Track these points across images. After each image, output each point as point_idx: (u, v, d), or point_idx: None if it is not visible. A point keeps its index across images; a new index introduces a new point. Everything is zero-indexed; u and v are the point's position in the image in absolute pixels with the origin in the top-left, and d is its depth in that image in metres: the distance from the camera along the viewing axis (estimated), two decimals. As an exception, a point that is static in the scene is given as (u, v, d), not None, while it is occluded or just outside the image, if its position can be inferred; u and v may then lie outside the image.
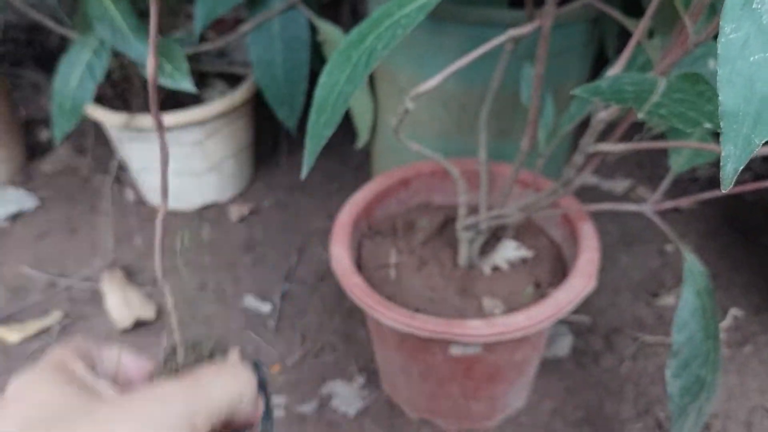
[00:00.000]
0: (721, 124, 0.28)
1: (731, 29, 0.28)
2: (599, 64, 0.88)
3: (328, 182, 1.04)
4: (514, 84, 0.69)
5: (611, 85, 0.41)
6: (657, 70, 0.45)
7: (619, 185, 1.01)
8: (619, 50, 0.65)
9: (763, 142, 0.28)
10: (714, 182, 1.01)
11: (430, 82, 0.52)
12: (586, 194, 1.00)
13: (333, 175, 1.05)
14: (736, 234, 0.92)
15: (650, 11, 0.49)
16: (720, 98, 0.28)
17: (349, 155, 1.08)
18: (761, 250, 0.89)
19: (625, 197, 1.00)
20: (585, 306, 0.82)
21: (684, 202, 0.57)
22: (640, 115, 0.38)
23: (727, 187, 0.29)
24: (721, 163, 0.29)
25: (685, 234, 0.93)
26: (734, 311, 0.80)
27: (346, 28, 1.39)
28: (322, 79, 0.50)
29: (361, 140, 0.89)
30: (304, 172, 0.51)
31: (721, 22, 0.28)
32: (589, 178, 1.03)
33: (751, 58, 0.28)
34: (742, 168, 0.28)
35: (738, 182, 0.95)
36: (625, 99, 0.39)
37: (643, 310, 0.82)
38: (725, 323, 0.79)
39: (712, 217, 0.95)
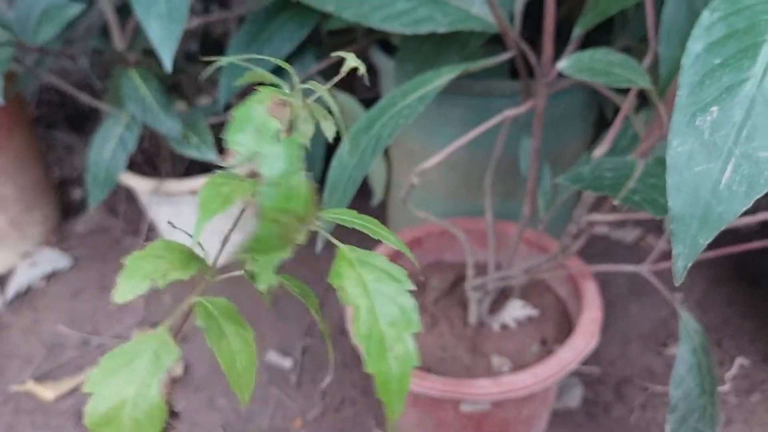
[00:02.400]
0: (671, 226, 0.32)
1: (678, 143, 0.33)
2: (601, 124, 0.92)
3: (348, 235, 1.08)
4: (515, 149, 0.73)
5: (592, 171, 0.45)
6: (637, 152, 0.49)
7: (629, 234, 1.04)
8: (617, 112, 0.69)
9: (708, 242, 0.32)
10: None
11: (431, 160, 0.57)
12: (595, 243, 1.03)
13: (351, 230, 1.09)
14: (744, 281, 0.95)
15: (634, 91, 0.54)
16: (669, 203, 0.32)
17: (367, 209, 1.12)
18: (769, 297, 0.92)
19: (635, 246, 1.03)
20: (595, 357, 0.84)
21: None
22: (615, 202, 0.42)
23: (678, 281, 0.33)
24: (672, 261, 0.32)
25: (692, 283, 0.95)
26: (741, 360, 0.82)
27: (362, 94, 1.44)
28: (334, 162, 0.55)
29: (377, 198, 0.94)
30: (319, 246, 0.56)
31: (669, 137, 0.33)
32: (599, 228, 1.06)
33: (696, 169, 0.32)
34: (691, 264, 0.32)
35: (745, 234, 0.97)
36: (603, 186, 0.43)
37: (652, 360, 0.84)
38: (732, 372, 0.81)
39: (719, 264, 0.97)
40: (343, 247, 0.33)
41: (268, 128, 0.29)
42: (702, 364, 0.59)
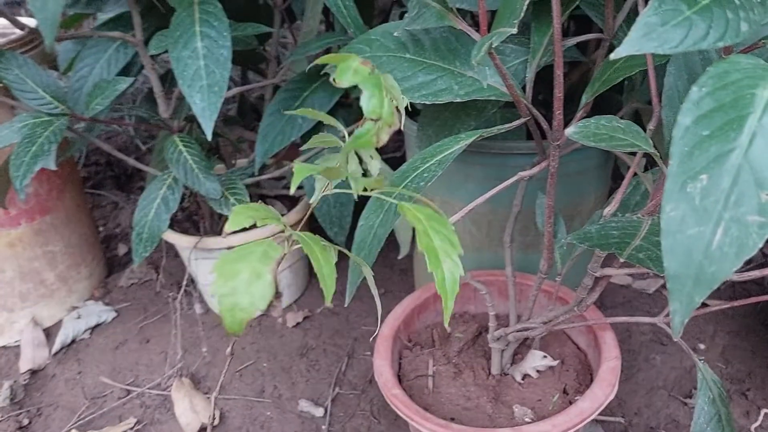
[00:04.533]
0: (668, 285, 0.35)
1: (671, 208, 0.36)
2: (617, 177, 0.95)
3: (376, 287, 1.12)
4: (534, 203, 0.77)
5: (599, 230, 0.48)
6: (644, 211, 0.52)
7: (651, 285, 1.06)
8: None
9: (703, 299, 0.35)
10: (742, 283, 1.04)
11: (452, 218, 0.60)
12: (617, 293, 1.05)
13: (380, 280, 1.13)
14: (769, 331, 0.95)
15: (640, 154, 0.57)
16: (665, 264, 0.35)
17: (394, 262, 1.16)
18: (794, 347, 0.92)
19: (657, 295, 1.05)
20: (620, 406, 0.86)
21: (698, 311, 0.62)
22: (621, 259, 0.45)
23: (676, 336, 0.36)
24: (671, 317, 0.35)
25: (715, 333, 0.96)
26: (767, 410, 0.83)
27: (387, 153, 1.50)
28: (361, 221, 0.60)
29: (402, 252, 0.98)
30: (347, 301, 0.60)
31: (662, 203, 0.36)
32: (621, 278, 1.08)
33: (688, 232, 0.35)
34: (687, 320, 0.35)
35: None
36: (609, 245, 0.46)
37: (677, 410, 0.85)
38: (758, 423, 0.82)
39: (742, 315, 0.98)
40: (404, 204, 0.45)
41: (364, 72, 0.40)
42: (722, 414, 0.60)
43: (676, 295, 0.35)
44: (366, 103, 0.40)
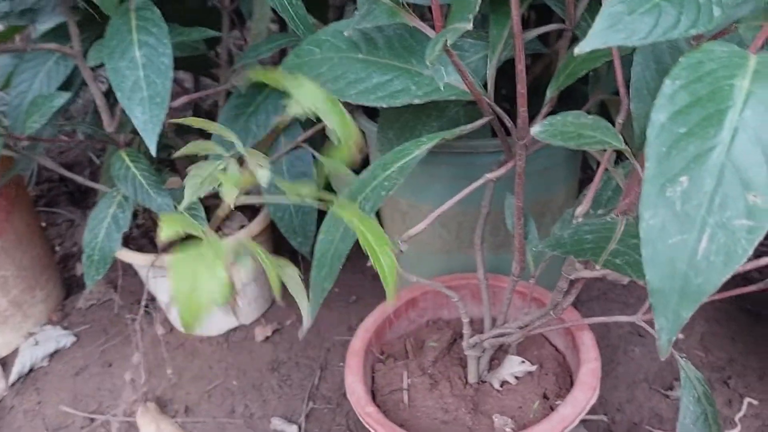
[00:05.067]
0: (651, 300, 0.32)
1: (649, 215, 0.33)
2: (587, 169, 0.93)
3: (346, 294, 1.08)
4: (503, 203, 0.74)
5: (572, 235, 0.45)
6: (618, 210, 0.49)
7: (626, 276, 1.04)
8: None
9: (691, 314, 0.32)
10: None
11: (418, 226, 0.57)
12: (592, 286, 1.03)
13: (350, 288, 1.09)
14: (747, 316, 0.94)
15: (610, 151, 0.54)
16: (647, 277, 0.32)
17: (365, 268, 1.12)
18: (773, 331, 0.91)
19: (631, 286, 1.03)
20: (602, 403, 0.83)
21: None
22: (598, 267, 0.42)
23: (663, 355, 0.33)
24: (656, 335, 0.32)
25: (693, 322, 0.94)
26: (750, 399, 0.81)
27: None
28: (320, 236, 0.56)
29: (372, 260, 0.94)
30: (307, 323, 0.56)
31: (639, 209, 0.33)
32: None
33: (670, 241, 0.32)
34: (675, 337, 0.32)
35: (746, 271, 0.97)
36: (584, 251, 0.43)
37: (660, 404, 0.83)
38: (741, 412, 0.80)
39: (721, 302, 0.96)
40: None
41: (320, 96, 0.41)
42: (708, 413, 0.58)
43: (661, 310, 0.32)
44: (337, 130, 0.41)
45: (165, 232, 0.39)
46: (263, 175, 0.54)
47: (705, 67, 0.36)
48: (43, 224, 1.32)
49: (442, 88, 0.55)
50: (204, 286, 0.35)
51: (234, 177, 0.56)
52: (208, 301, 0.35)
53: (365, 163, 1.38)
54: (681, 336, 0.93)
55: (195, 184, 0.61)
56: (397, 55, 0.59)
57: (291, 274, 0.52)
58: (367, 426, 0.63)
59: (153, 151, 0.63)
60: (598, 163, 0.85)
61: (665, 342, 0.32)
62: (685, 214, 0.32)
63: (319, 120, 0.43)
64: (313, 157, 0.88)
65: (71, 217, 1.35)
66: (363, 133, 0.87)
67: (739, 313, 0.95)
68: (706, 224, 0.32)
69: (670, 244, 0.32)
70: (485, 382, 0.70)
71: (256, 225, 0.95)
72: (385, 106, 0.56)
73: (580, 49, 0.34)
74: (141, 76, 0.62)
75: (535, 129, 0.47)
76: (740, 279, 0.97)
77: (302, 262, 1.13)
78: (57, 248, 1.28)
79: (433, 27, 0.52)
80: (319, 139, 0.89)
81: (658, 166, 0.34)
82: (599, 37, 0.35)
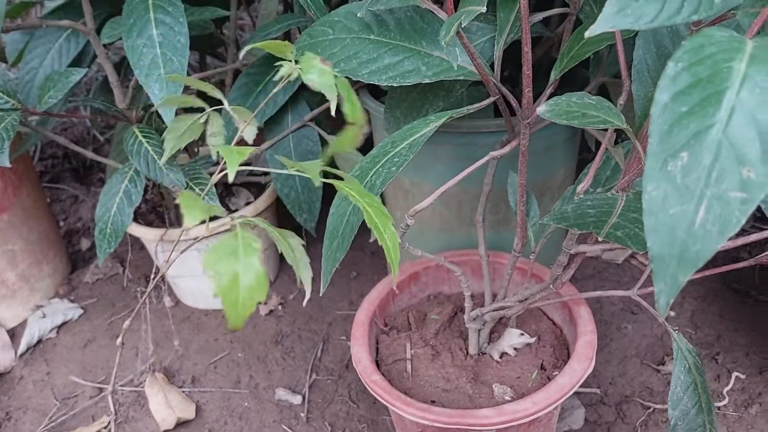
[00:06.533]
0: (652, 265, 0.35)
1: (652, 188, 0.35)
2: (585, 150, 0.95)
3: (347, 271, 1.11)
4: (504, 181, 0.76)
5: (575, 209, 0.48)
6: (618, 187, 0.52)
7: (620, 255, 1.07)
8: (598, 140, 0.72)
9: (688, 278, 0.35)
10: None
11: (424, 202, 0.60)
12: (587, 265, 1.06)
13: (351, 264, 1.12)
14: (735, 295, 0.97)
15: (612, 129, 0.57)
16: (648, 244, 0.35)
17: (365, 245, 1.15)
18: (760, 309, 0.94)
19: (625, 265, 1.06)
20: (594, 377, 0.87)
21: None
22: (600, 238, 0.45)
23: (662, 316, 0.36)
24: (655, 298, 0.35)
25: (683, 299, 0.98)
26: (737, 373, 0.85)
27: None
28: (332, 209, 0.58)
29: (374, 235, 0.97)
30: (322, 290, 0.59)
31: (643, 182, 0.35)
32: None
33: (671, 211, 0.35)
34: (673, 300, 0.35)
35: (733, 249, 1.00)
36: (587, 224, 0.46)
37: (651, 378, 0.87)
38: (729, 386, 0.83)
39: (709, 280, 1.00)
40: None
41: (329, 74, 0.42)
42: (698, 382, 0.61)
43: (661, 275, 0.35)
44: (347, 109, 0.41)
45: (188, 220, 0.39)
46: (251, 132, 0.56)
47: (706, 50, 0.39)
48: (48, 200, 1.33)
49: (456, 68, 0.57)
50: (245, 284, 0.36)
51: (218, 124, 0.58)
52: (252, 300, 0.36)
53: (368, 143, 1.40)
54: (672, 314, 0.96)
55: (175, 137, 0.63)
56: (408, 37, 0.61)
57: (296, 244, 0.53)
58: (373, 393, 0.66)
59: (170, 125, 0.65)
60: (597, 145, 0.88)
61: (663, 304, 0.35)
62: (685, 186, 0.35)
63: (325, 98, 0.44)
64: (319, 135, 0.90)
65: (75, 193, 1.37)
66: (368, 112, 0.90)
67: (728, 292, 0.98)
68: (704, 196, 0.34)
69: (671, 214, 0.35)
70: (485, 353, 0.73)
71: (262, 201, 0.97)
72: (395, 85, 0.58)
73: (591, 32, 0.37)
74: (158, 54, 0.64)
75: (541, 108, 0.50)
76: (730, 259, 1.01)
77: (306, 238, 1.16)
78: (61, 224, 1.30)
79: (443, 9, 0.55)
80: (325, 119, 0.91)
81: (660, 142, 0.36)
82: (609, 20, 0.37)
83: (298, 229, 1.17)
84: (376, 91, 0.87)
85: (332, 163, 0.94)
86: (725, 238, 0.34)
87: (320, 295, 0.59)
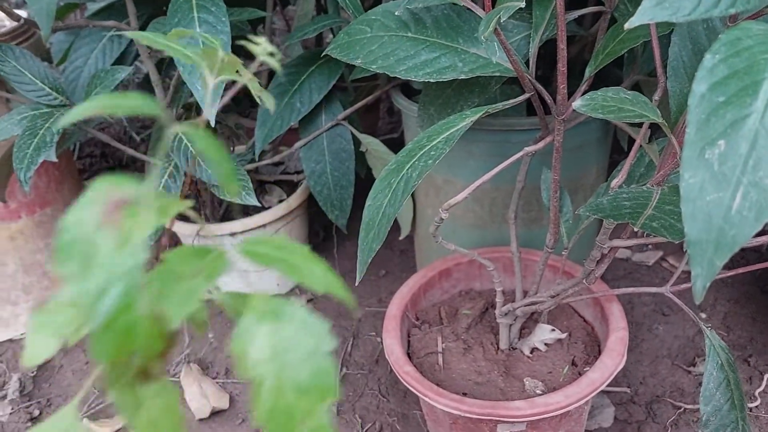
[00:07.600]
0: (689, 251, 0.36)
1: (690, 175, 0.36)
2: (617, 150, 0.96)
3: (376, 268, 1.12)
4: (537, 179, 0.77)
5: (611, 201, 0.49)
6: (653, 181, 0.53)
7: (651, 257, 1.07)
8: (631, 139, 0.73)
9: (723, 263, 0.36)
10: (740, 251, 1.05)
11: (459, 196, 0.61)
12: (619, 266, 1.06)
13: (380, 262, 1.13)
14: (766, 298, 0.97)
15: (646, 123, 0.57)
16: (685, 230, 0.36)
17: (394, 242, 1.16)
18: (793, 312, 0.94)
19: (656, 267, 1.06)
20: (625, 376, 0.87)
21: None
22: (636, 228, 0.46)
23: (698, 300, 0.36)
24: (692, 282, 0.36)
25: (715, 302, 0.97)
26: (770, 375, 0.84)
27: (383, 123, 1.50)
28: (369, 201, 0.60)
29: (404, 232, 0.99)
30: (358, 278, 0.60)
31: (681, 170, 0.36)
32: (621, 251, 1.09)
33: (707, 198, 0.36)
34: (709, 284, 0.36)
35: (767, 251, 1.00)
36: (622, 215, 0.47)
37: (682, 378, 0.86)
38: (761, 388, 0.83)
39: (741, 283, 0.99)
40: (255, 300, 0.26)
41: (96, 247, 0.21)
42: (730, 379, 0.61)
43: (698, 260, 0.36)
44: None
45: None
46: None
47: (743, 43, 0.39)
48: (85, 197, 1.37)
49: (494, 62, 0.58)
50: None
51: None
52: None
53: (399, 142, 1.41)
54: (704, 315, 0.96)
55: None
56: (445, 35, 0.62)
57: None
58: (405, 384, 0.67)
59: (212, 123, 0.67)
60: (630, 144, 0.88)
61: (700, 288, 0.36)
62: (722, 174, 0.36)
63: (359, 98, 0.45)
64: (352, 134, 0.92)
65: (111, 192, 1.40)
66: (400, 111, 0.91)
67: (761, 295, 0.98)
68: (740, 183, 0.35)
69: (708, 201, 0.36)
70: (516, 348, 0.74)
71: (295, 199, 0.99)
72: (432, 81, 0.60)
73: (630, 24, 0.38)
74: (202, 51, 0.66)
75: (577, 103, 0.51)
76: (763, 261, 1.00)
77: (336, 236, 1.18)
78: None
79: (480, 6, 0.56)
80: (358, 117, 0.93)
81: (698, 131, 0.37)
82: (648, 13, 0.38)
83: (326, 228, 1.19)
84: (408, 91, 0.89)
85: (363, 160, 0.96)
86: (761, 224, 0.35)
87: (356, 284, 0.60)
